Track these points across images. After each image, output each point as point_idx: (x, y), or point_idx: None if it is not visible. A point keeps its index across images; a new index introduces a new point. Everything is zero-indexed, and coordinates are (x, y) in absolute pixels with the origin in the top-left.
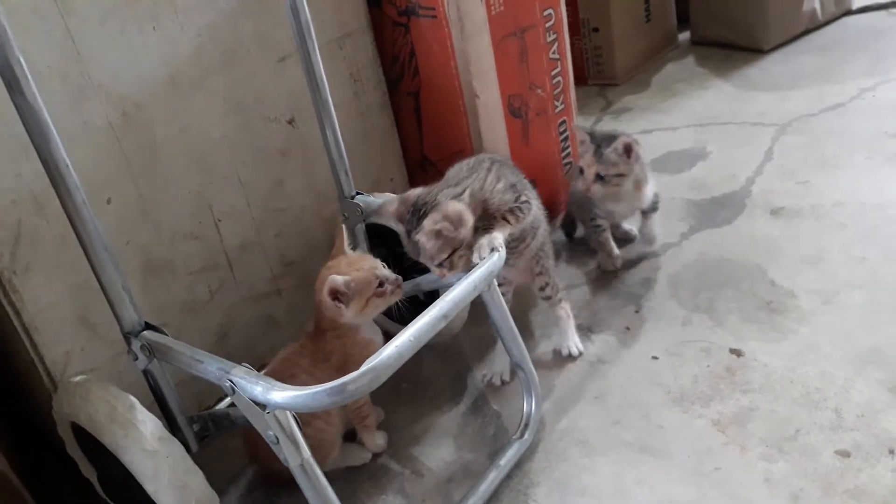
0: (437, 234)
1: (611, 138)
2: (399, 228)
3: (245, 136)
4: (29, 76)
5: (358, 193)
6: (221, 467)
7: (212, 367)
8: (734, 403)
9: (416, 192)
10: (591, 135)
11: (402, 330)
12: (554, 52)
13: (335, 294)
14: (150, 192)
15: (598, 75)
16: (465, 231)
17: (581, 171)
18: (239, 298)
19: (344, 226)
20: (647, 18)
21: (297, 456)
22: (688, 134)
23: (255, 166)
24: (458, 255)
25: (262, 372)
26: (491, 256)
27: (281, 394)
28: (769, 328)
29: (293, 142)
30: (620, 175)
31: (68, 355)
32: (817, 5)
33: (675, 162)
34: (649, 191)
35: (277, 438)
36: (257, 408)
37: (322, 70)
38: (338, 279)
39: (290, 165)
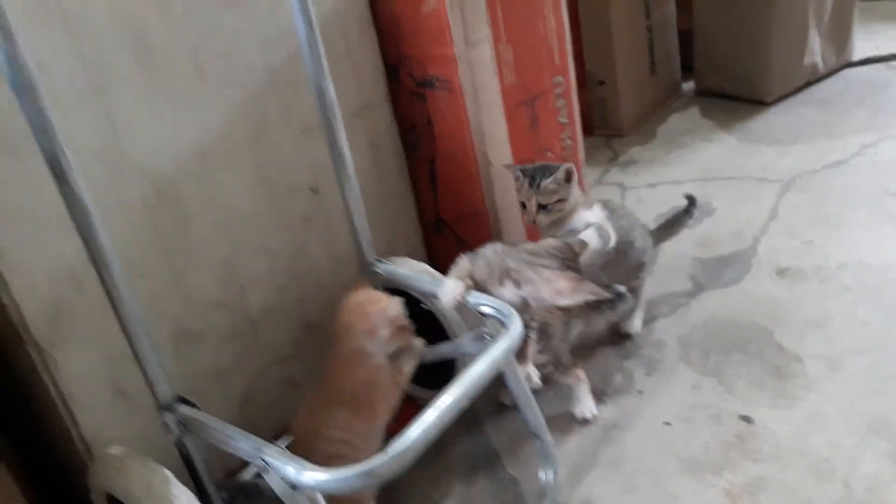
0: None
1: (542, 169)
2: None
3: (270, 206)
4: (73, 166)
5: (378, 261)
6: None
7: (245, 444)
8: (745, 473)
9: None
10: (523, 170)
11: (425, 411)
12: (563, 116)
13: (382, 316)
14: (181, 264)
15: (604, 126)
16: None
17: (523, 205)
18: (262, 363)
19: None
20: (652, 71)
21: None
22: (693, 188)
23: (279, 234)
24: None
25: (291, 431)
26: (509, 332)
27: (312, 475)
28: (778, 394)
29: (315, 209)
30: (562, 200)
31: (102, 423)
32: (818, 58)
33: None
34: (589, 216)
35: None
36: (289, 488)
37: (346, 144)
38: (383, 307)
39: (312, 231)
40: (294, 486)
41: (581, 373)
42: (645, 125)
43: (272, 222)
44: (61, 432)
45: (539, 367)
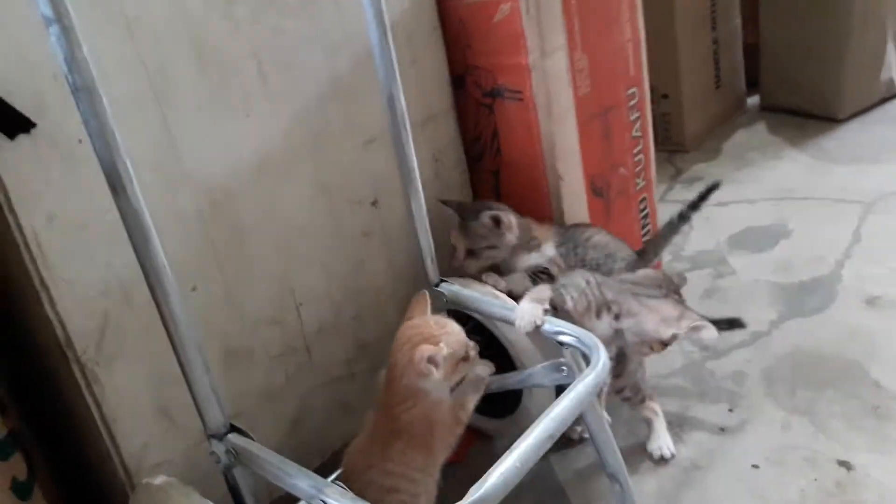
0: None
1: (475, 210)
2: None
3: (329, 220)
4: (134, 180)
5: (442, 280)
6: None
7: (302, 482)
8: None
9: None
10: (459, 207)
11: (506, 454)
12: (637, 130)
13: (431, 359)
14: (234, 278)
15: (666, 142)
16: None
17: (454, 246)
18: (314, 383)
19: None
20: (717, 84)
21: None
22: (766, 208)
23: (337, 248)
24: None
25: (342, 465)
26: (596, 366)
27: None
28: (879, 438)
29: (375, 223)
30: (491, 247)
31: (145, 448)
32: (895, 74)
33: (756, 239)
34: (534, 258)
35: None
36: None
37: (414, 157)
38: (430, 349)
39: (371, 247)
40: None
41: (657, 406)
42: (709, 141)
43: (330, 236)
44: (102, 456)
45: (617, 391)
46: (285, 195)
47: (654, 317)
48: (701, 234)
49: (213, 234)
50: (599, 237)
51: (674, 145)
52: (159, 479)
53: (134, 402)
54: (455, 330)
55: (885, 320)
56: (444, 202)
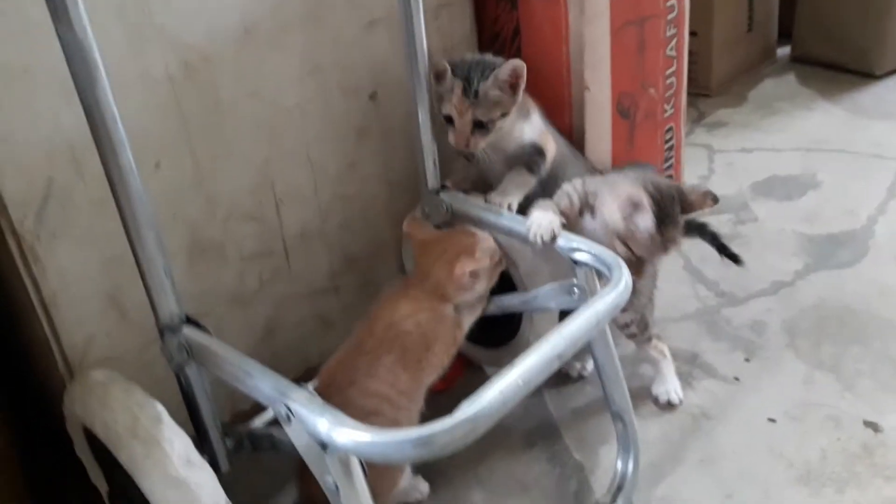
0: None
1: (480, 66)
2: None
3: (320, 108)
4: (80, 3)
5: (443, 187)
6: (250, 484)
7: (264, 384)
8: (876, 493)
9: None
10: (453, 65)
11: (507, 368)
12: (672, 49)
13: (474, 273)
14: (206, 160)
15: (690, 84)
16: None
17: (449, 120)
18: (292, 292)
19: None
20: (749, 27)
21: None
22: (794, 158)
23: (328, 143)
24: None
25: (317, 379)
26: (617, 285)
27: (352, 434)
28: None
29: (372, 120)
30: (504, 115)
31: (90, 340)
32: None
33: (782, 188)
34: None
35: (337, 487)
36: (318, 446)
37: (424, 39)
38: (472, 262)
39: (366, 147)
40: (324, 445)
41: (665, 347)
42: (735, 87)
43: (320, 128)
44: (40, 344)
45: (622, 327)
46: (272, 71)
47: (613, 200)
48: (722, 179)
49: (184, 104)
50: None
51: (698, 88)
52: (99, 372)
53: (79, 286)
54: (484, 237)
55: None
56: (435, 62)
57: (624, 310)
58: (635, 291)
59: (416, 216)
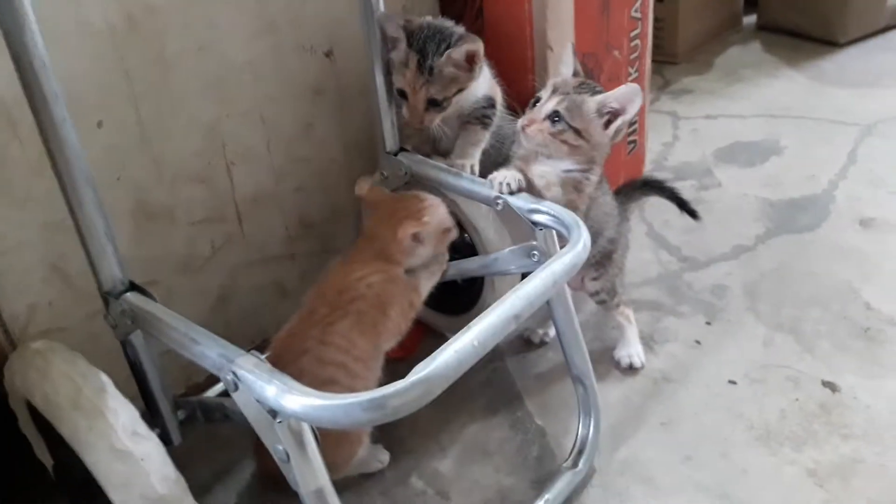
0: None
1: (434, 37)
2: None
3: (273, 65)
4: None
5: (402, 149)
6: (207, 458)
7: (211, 350)
8: (833, 451)
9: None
10: (410, 32)
11: (463, 330)
12: (636, 11)
13: (416, 236)
14: (152, 118)
15: (656, 51)
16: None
17: (402, 94)
18: (245, 259)
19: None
20: None
21: (313, 481)
22: (758, 124)
23: (282, 103)
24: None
25: (269, 350)
26: (576, 245)
27: (300, 400)
28: (869, 361)
29: (329, 79)
30: (460, 91)
31: (33, 309)
32: None
33: (745, 154)
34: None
35: (288, 455)
36: (267, 414)
37: None
38: (414, 225)
39: (323, 107)
40: (273, 413)
41: (631, 313)
42: (700, 54)
43: (274, 87)
44: None
45: (592, 294)
46: (222, 24)
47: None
48: (686, 146)
49: (127, 58)
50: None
51: (664, 55)
52: (40, 343)
53: (20, 253)
54: (435, 203)
55: (879, 243)
56: (385, 16)
57: (595, 278)
58: (609, 263)
59: (367, 178)
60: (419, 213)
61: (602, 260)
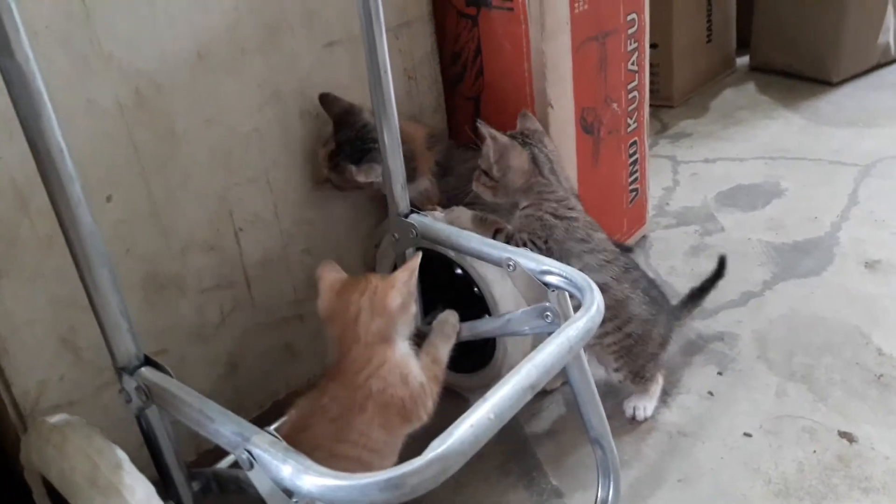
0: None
1: (362, 149)
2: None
3: (279, 132)
4: (22, 30)
5: (413, 211)
6: None
7: (226, 428)
8: None
9: None
10: (337, 118)
11: (477, 404)
12: (633, 64)
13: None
14: (161, 191)
15: (652, 96)
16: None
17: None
18: (255, 323)
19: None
20: (708, 38)
21: None
22: (757, 167)
23: (288, 168)
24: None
25: (282, 425)
26: (589, 310)
27: (317, 481)
28: (883, 409)
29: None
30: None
31: (43, 385)
32: (892, 38)
33: (747, 197)
34: None
35: None
36: (282, 493)
37: (388, 61)
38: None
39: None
40: (289, 492)
41: (661, 376)
42: (696, 97)
43: (280, 153)
44: None
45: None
46: (228, 97)
47: None
48: (686, 190)
49: (136, 134)
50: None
51: (660, 99)
52: (56, 418)
53: (30, 330)
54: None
55: (885, 285)
56: (325, 99)
57: (616, 369)
58: (629, 354)
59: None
60: (391, 281)
61: (620, 351)
